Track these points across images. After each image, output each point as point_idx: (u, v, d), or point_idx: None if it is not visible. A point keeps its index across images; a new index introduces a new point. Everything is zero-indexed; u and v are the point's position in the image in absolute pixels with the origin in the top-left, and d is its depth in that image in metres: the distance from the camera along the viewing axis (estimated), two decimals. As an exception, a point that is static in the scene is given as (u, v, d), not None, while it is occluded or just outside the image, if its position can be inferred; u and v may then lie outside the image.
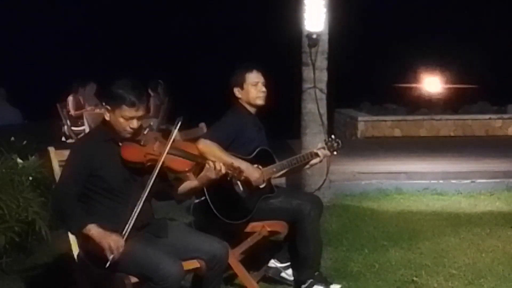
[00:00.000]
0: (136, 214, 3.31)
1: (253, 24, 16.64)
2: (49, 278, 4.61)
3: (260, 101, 4.41)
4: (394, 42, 16.42)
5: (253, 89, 4.37)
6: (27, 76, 16.03)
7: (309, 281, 4.31)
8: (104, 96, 3.49)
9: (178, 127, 3.54)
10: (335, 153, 4.52)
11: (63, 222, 3.47)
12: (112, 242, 3.19)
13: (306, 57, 6.66)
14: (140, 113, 3.44)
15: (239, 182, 4.15)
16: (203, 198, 4.09)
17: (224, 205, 4.10)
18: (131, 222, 3.29)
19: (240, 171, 3.76)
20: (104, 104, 3.48)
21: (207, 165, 3.57)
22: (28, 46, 17.24)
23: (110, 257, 3.18)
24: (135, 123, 3.43)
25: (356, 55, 15.64)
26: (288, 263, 4.46)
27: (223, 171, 3.61)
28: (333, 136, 4.60)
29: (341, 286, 4.45)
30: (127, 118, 3.41)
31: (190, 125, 4.59)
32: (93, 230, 3.24)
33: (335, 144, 4.49)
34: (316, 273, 4.36)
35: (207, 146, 4.07)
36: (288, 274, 4.47)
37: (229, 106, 4.47)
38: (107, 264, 3.18)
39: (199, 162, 3.58)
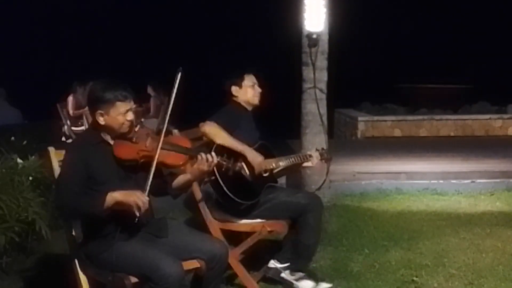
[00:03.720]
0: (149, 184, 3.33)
1: (253, 24, 16.65)
2: (49, 278, 4.60)
3: (256, 101, 4.61)
4: (394, 42, 16.44)
5: (251, 89, 4.58)
6: (27, 76, 16.04)
7: (301, 274, 4.40)
8: (91, 102, 3.46)
9: (179, 79, 3.52)
10: (323, 161, 4.81)
11: (78, 214, 3.42)
12: (138, 199, 3.25)
13: (306, 57, 6.66)
14: (132, 103, 3.47)
15: (244, 167, 4.18)
16: (213, 177, 4.13)
17: (234, 184, 4.14)
18: (150, 179, 3.33)
19: (235, 162, 3.76)
20: (94, 110, 3.44)
21: (199, 157, 3.58)
22: (28, 46, 17.25)
23: (138, 212, 3.26)
24: (131, 115, 3.45)
25: (356, 55, 15.64)
26: (288, 264, 4.47)
27: (215, 161, 3.61)
28: (324, 148, 4.89)
29: (332, 286, 4.48)
30: (123, 113, 3.42)
31: (190, 125, 4.60)
32: (115, 194, 3.27)
33: (325, 155, 4.77)
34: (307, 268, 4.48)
35: (213, 128, 4.26)
36: (287, 274, 4.47)
37: (225, 104, 4.60)
38: (136, 220, 3.27)
39: (193, 155, 3.60)
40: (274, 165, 4.46)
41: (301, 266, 4.45)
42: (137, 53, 17.72)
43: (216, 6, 18.22)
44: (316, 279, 4.47)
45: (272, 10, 14.14)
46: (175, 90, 3.50)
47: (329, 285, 4.47)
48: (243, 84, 4.56)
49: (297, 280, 4.43)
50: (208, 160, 3.58)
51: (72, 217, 3.50)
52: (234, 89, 4.57)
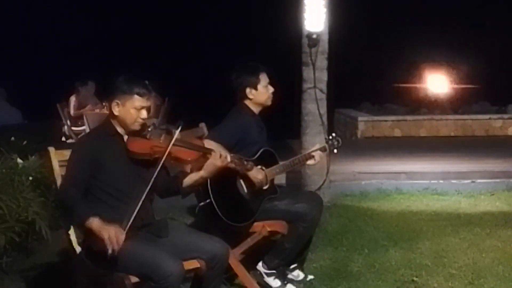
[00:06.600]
0: (138, 207, 3.32)
1: (253, 24, 16.64)
2: (49, 278, 4.61)
3: (269, 102, 4.47)
4: (394, 41, 16.42)
5: (266, 90, 4.42)
6: (27, 76, 16.03)
7: (273, 272, 4.38)
8: (111, 91, 3.52)
9: (179, 130, 3.56)
10: (335, 151, 4.67)
11: (66, 217, 3.52)
12: (112, 234, 3.18)
13: (306, 57, 6.66)
14: (149, 103, 3.54)
15: (243, 184, 4.19)
16: (208, 201, 4.08)
17: (229, 208, 4.10)
18: (133, 216, 3.30)
19: (245, 164, 3.79)
20: (111, 99, 3.50)
21: (213, 153, 3.64)
22: (29, 46, 17.25)
23: (110, 249, 3.16)
24: (145, 113, 3.50)
25: (356, 55, 15.62)
26: (273, 271, 4.44)
27: (229, 159, 3.69)
28: (333, 134, 4.75)
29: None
30: (138, 108, 3.48)
31: (190, 125, 4.59)
32: (95, 222, 3.23)
33: (336, 142, 4.65)
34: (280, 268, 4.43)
35: (211, 147, 4.06)
36: (270, 281, 4.43)
37: (232, 106, 4.49)
38: (108, 257, 3.17)
39: (205, 153, 3.64)
40: (274, 173, 4.36)
41: (275, 265, 4.41)
42: (137, 53, 17.70)
43: (216, 5, 18.21)
44: (285, 281, 4.43)
45: (272, 10, 14.13)
46: (173, 141, 3.48)
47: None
48: (258, 86, 4.38)
49: (267, 275, 4.42)
50: (222, 156, 3.66)
51: (65, 214, 3.52)
52: (249, 92, 4.38)
